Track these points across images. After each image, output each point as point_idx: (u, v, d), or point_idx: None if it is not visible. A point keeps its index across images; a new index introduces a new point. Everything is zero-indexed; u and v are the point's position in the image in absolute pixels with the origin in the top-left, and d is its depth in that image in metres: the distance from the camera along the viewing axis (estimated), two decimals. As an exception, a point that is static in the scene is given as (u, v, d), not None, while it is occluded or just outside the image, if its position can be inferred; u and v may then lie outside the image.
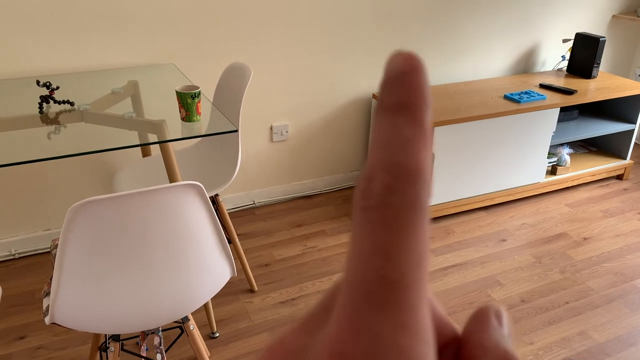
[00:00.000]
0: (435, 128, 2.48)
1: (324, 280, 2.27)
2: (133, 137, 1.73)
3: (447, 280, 2.30)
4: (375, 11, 2.68)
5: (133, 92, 2.05)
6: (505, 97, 2.77)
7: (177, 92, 1.70)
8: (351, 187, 3.06)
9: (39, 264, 2.35)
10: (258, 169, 2.77)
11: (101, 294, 1.23)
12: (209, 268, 1.35)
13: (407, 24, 2.79)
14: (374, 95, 2.83)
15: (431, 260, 2.43)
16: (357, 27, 2.67)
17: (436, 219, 2.76)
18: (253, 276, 2.24)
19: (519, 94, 2.78)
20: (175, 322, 1.70)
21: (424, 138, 0.19)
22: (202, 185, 1.24)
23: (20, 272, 2.29)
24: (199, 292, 1.36)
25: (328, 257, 2.42)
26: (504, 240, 2.61)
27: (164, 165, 2.20)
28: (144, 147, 2.33)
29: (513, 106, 2.66)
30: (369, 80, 2.83)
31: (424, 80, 0.20)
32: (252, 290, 2.20)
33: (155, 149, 2.41)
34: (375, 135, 0.20)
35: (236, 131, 1.68)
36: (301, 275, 2.30)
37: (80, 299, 1.24)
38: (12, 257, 2.38)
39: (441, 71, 3.01)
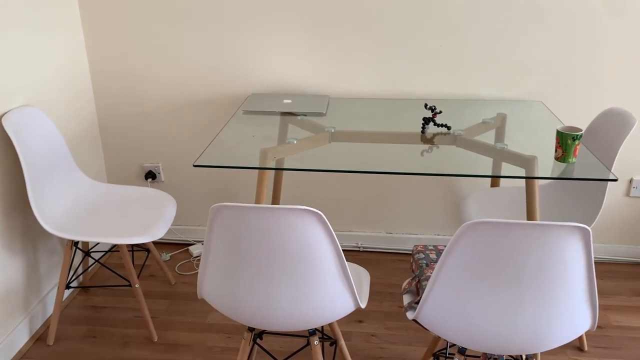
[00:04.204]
0: None
1: (672, 366, 1.96)
2: (485, 167, 1.79)
3: None
4: None
5: (500, 124, 2.14)
6: None
7: (558, 131, 1.70)
8: None
9: (378, 260, 2.65)
10: (606, 221, 2.55)
11: (468, 309, 1.32)
12: (574, 313, 1.32)
13: None
14: None
15: None
16: None
17: None
18: (585, 335, 2.08)
19: None
20: (510, 356, 1.70)
21: None
22: (589, 230, 1.22)
23: (362, 264, 2.63)
24: (556, 334, 1.33)
25: (679, 341, 2.09)
26: None
27: (510, 197, 2.23)
28: (494, 177, 2.40)
29: None
30: None
31: None
32: (581, 349, 2.05)
33: (503, 181, 2.46)
34: None
35: (615, 180, 1.59)
36: (643, 351, 2.04)
37: (447, 308, 1.35)
38: (357, 249, 2.75)
39: None
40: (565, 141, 1.68)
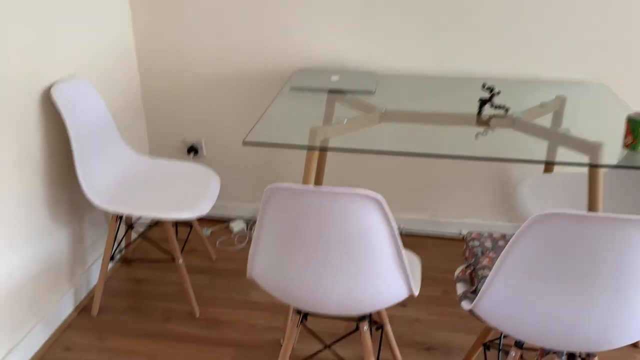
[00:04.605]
0: None
1: None
2: (539, 152, 1.69)
3: None
4: None
5: (558, 107, 2.03)
6: None
7: (629, 117, 1.60)
8: None
9: (421, 244, 2.59)
10: (662, 212, 2.44)
11: (533, 304, 1.26)
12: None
13: None
14: None
15: None
16: None
17: None
18: None
19: None
20: (570, 353, 1.63)
21: None
22: (672, 227, 1.14)
23: (405, 247, 2.57)
24: (626, 333, 1.26)
25: None
26: None
27: (566, 185, 2.14)
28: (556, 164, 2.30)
29: None
30: None
31: None
32: (635, 345, 1.97)
33: (557, 167, 2.36)
34: None
35: (691, 172, 1.49)
36: (702, 350, 1.95)
37: (509, 302, 1.29)
38: (400, 232, 2.69)
39: None
40: (637, 128, 1.58)
